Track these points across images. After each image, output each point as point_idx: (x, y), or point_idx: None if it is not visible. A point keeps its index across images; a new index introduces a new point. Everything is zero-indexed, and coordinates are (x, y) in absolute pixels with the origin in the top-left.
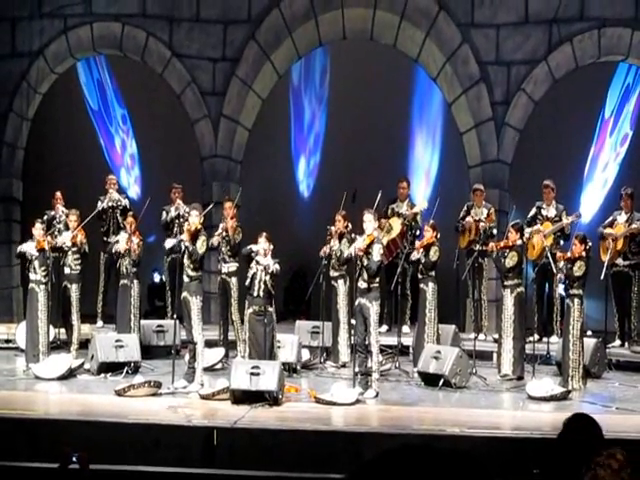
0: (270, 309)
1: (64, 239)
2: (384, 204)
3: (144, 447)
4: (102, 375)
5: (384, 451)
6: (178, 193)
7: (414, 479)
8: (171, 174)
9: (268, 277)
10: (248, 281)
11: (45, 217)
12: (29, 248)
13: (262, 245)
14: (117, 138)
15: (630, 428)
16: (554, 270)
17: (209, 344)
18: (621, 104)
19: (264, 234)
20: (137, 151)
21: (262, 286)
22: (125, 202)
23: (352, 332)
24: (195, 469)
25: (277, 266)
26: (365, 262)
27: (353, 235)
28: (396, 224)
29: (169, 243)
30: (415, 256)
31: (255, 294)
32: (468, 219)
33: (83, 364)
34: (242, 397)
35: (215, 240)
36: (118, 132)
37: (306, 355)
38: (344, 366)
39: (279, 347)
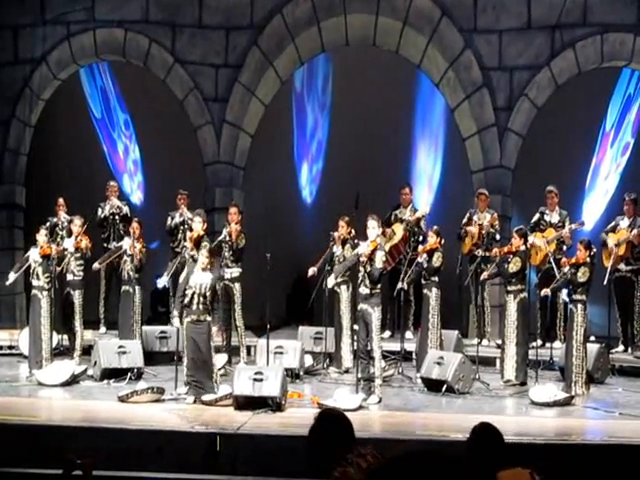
0: (208, 318)
1: (68, 245)
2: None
3: (147, 453)
4: (105, 381)
5: (390, 457)
6: (183, 199)
7: None
8: (174, 180)
9: (208, 292)
10: (188, 299)
11: (48, 223)
12: (33, 254)
13: (201, 259)
14: (120, 144)
15: (633, 433)
16: (557, 275)
17: None
18: (622, 113)
19: (207, 246)
20: (140, 157)
21: (201, 299)
22: (126, 209)
23: (355, 338)
24: (198, 475)
25: (210, 282)
26: (368, 268)
27: (356, 241)
28: (398, 230)
29: (160, 283)
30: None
31: (194, 307)
32: (470, 228)
33: (86, 370)
34: (245, 403)
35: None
36: (121, 137)
37: (309, 361)
38: (347, 372)
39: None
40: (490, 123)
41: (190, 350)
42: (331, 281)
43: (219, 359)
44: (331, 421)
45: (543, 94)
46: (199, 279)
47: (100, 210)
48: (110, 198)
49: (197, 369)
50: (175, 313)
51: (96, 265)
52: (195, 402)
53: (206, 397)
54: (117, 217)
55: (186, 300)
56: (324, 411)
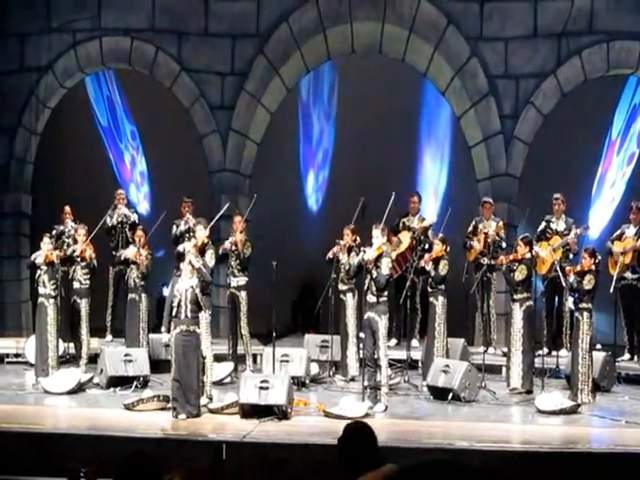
0: (197, 330)
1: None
2: (395, 216)
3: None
4: (111, 389)
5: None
6: (188, 207)
7: None
8: (180, 188)
9: (198, 290)
10: (175, 310)
11: (54, 232)
12: (39, 259)
13: (186, 267)
14: (127, 154)
15: (639, 442)
16: (563, 284)
17: (218, 358)
18: (628, 123)
19: (192, 252)
20: (146, 166)
21: (188, 307)
22: (134, 217)
23: (361, 346)
24: None
25: (195, 287)
26: (374, 274)
27: (362, 249)
28: (405, 238)
29: (182, 247)
30: (424, 264)
31: (182, 316)
32: (474, 243)
33: (92, 378)
34: (251, 411)
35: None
36: (128, 148)
37: (315, 369)
38: (353, 380)
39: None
40: (496, 131)
41: (176, 362)
42: (370, 252)
43: (224, 367)
44: (139, 461)
45: (549, 102)
46: (184, 285)
47: (109, 218)
48: (119, 206)
49: (178, 383)
50: (163, 328)
51: (131, 250)
52: (177, 417)
53: (212, 405)
54: (125, 225)
55: (174, 311)
56: (133, 454)
